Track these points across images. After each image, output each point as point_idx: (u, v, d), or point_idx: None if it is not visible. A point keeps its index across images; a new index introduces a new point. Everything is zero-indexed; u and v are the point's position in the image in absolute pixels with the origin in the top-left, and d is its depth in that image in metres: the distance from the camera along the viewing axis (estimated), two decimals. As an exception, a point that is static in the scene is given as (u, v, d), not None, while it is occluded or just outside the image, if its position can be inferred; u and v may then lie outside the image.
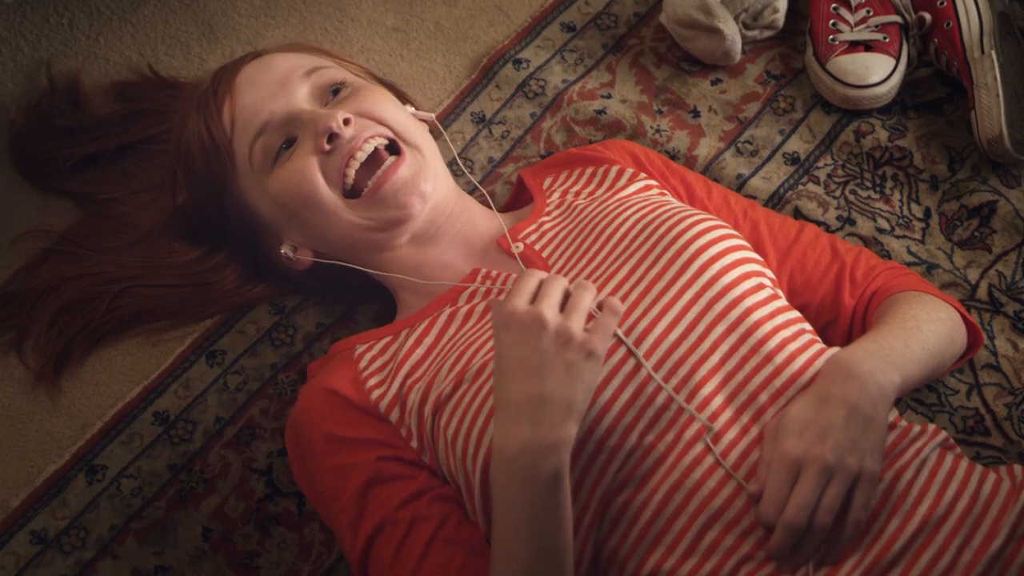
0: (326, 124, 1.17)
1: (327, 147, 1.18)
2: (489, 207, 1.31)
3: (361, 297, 1.37)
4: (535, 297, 1.01)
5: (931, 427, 1.09)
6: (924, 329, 1.15)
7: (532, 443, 0.96)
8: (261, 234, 1.28)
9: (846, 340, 1.22)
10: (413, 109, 1.32)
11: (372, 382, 1.16)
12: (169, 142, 1.33)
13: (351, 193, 1.20)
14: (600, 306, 1.01)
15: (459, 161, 1.46)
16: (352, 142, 1.18)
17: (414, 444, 1.13)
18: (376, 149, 1.20)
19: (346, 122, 1.18)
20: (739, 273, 1.12)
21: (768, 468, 1.01)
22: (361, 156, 1.18)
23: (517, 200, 1.37)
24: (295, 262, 1.27)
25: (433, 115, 1.35)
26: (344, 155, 1.18)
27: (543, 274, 1.04)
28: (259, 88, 1.22)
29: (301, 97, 1.22)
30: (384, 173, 1.18)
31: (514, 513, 0.98)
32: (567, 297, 1.02)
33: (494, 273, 1.20)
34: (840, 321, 1.23)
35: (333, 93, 1.23)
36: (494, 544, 1.01)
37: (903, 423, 1.09)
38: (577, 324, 0.99)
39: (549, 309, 0.99)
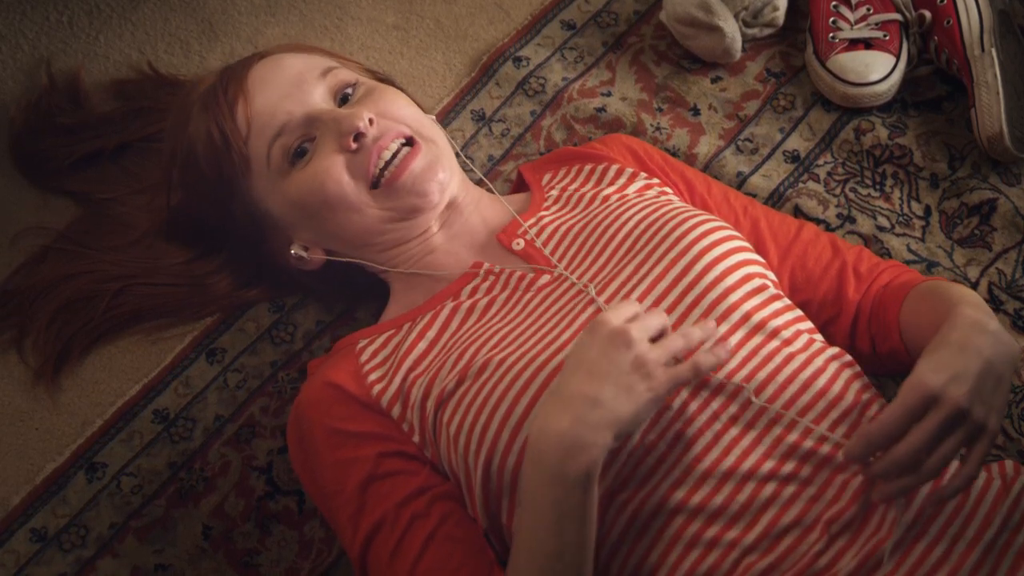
0: (352, 124, 1.17)
1: (354, 146, 1.18)
2: (498, 199, 1.31)
3: (363, 294, 1.37)
4: (631, 320, 1.01)
5: None
6: (983, 304, 1.12)
7: (568, 437, 0.97)
8: (268, 235, 1.28)
9: (848, 335, 1.23)
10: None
11: (373, 376, 1.16)
12: (165, 144, 1.33)
13: (373, 186, 1.20)
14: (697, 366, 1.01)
15: (462, 155, 1.46)
16: (379, 141, 1.18)
17: (416, 439, 1.13)
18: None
19: (371, 122, 1.18)
20: (742, 275, 1.13)
21: (900, 391, 0.98)
22: (387, 155, 1.19)
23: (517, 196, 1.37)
24: (306, 262, 1.27)
25: (433, 117, 1.35)
26: (372, 154, 1.18)
27: (641, 307, 1.03)
28: (274, 89, 1.22)
29: (318, 98, 1.22)
30: (402, 163, 1.18)
31: (538, 507, 0.99)
32: (661, 334, 1.02)
33: (497, 268, 1.20)
34: (843, 317, 1.23)
35: (345, 94, 1.24)
36: (518, 531, 1.01)
37: None
38: (657, 358, 0.99)
39: (640, 332, 0.99)
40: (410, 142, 1.21)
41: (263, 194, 1.24)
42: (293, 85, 1.22)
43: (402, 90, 1.37)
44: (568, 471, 0.97)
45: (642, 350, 0.98)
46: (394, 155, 1.19)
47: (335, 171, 1.18)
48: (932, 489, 1.01)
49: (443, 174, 1.21)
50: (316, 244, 1.26)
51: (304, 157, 1.20)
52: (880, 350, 1.22)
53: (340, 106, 1.23)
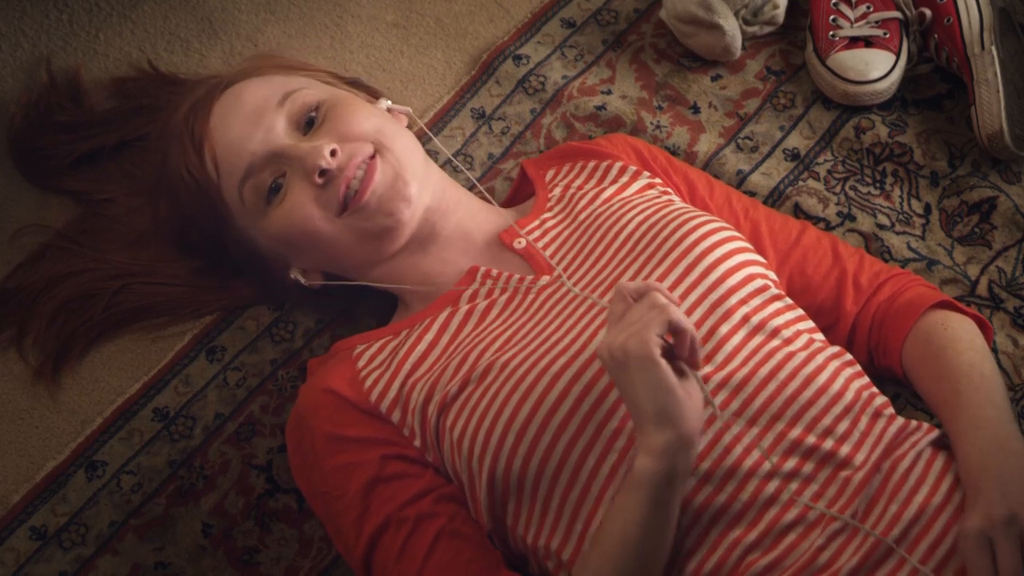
0: (315, 162, 1.17)
1: (320, 181, 1.18)
2: (489, 203, 1.30)
3: (368, 299, 1.36)
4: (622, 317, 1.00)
5: (925, 425, 1.10)
6: (988, 375, 1.13)
7: (662, 448, 0.98)
8: (265, 261, 1.28)
9: (845, 345, 1.22)
10: (389, 103, 1.32)
11: (370, 381, 1.16)
12: (149, 164, 1.33)
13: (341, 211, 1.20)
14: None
15: (453, 161, 1.45)
16: (346, 171, 1.17)
17: (417, 443, 1.13)
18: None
19: (332, 153, 1.17)
20: (744, 275, 1.13)
21: (962, 550, 0.99)
22: (355, 184, 1.18)
23: (519, 192, 1.37)
24: (305, 285, 1.28)
25: (409, 109, 1.35)
26: (340, 184, 1.17)
27: (628, 292, 1.01)
28: (236, 128, 1.21)
29: (280, 131, 1.21)
30: (364, 181, 1.18)
31: (643, 506, 1.00)
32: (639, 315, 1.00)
33: (494, 272, 1.20)
34: (839, 327, 1.23)
35: (310, 118, 1.23)
36: (611, 511, 1.02)
37: (900, 419, 1.10)
38: (655, 339, 0.97)
39: (656, 347, 0.97)
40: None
41: (248, 230, 1.25)
42: (253, 122, 1.21)
43: (373, 90, 1.37)
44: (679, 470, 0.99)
45: (662, 362, 0.97)
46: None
47: (306, 208, 1.18)
48: None
49: (409, 189, 1.19)
50: (312, 269, 1.27)
51: (279, 193, 1.20)
52: (878, 364, 1.22)
53: (306, 132, 1.22)
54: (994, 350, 1.29)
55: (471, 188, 1.42)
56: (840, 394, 1.08)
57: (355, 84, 1.37)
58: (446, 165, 1.46)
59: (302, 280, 1.27)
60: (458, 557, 1.08)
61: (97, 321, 1.36)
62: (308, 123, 1.22)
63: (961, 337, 1.17)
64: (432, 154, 1.45)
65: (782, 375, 1.07)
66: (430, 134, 1.46)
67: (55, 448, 1.33)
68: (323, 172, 1.17)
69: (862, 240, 1.37)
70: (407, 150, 1.22)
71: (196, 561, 1.26)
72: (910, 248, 1.36)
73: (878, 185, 1.42)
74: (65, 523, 1.28)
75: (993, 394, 1.11)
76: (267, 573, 1.25)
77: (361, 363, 1.19)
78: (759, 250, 1.24)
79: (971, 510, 1.00)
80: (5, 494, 1.30)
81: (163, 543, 1.27)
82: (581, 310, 1.13)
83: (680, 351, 0.99)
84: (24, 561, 1.27)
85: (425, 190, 1.21)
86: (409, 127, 1.34)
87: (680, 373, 0.98)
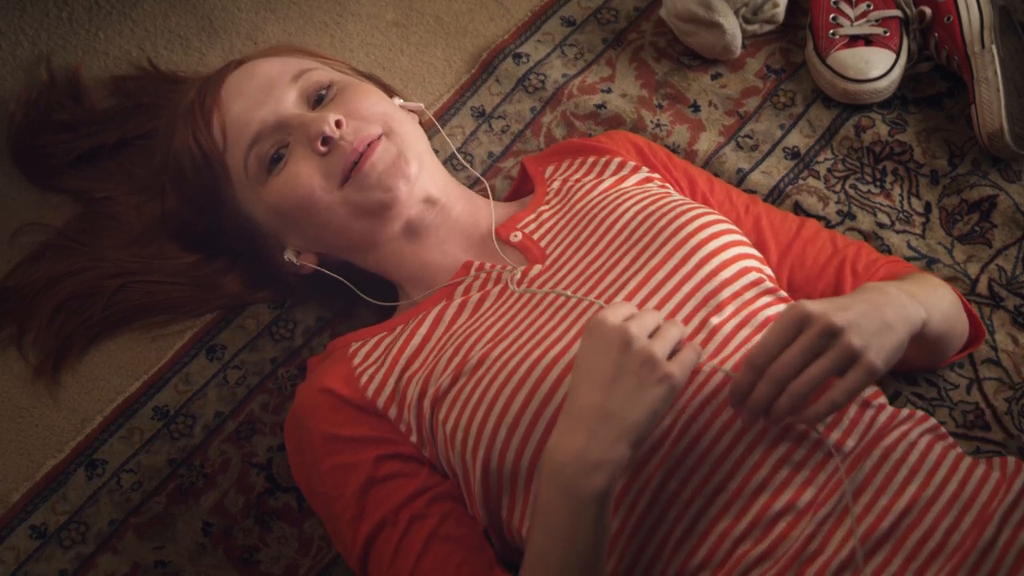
0: (318, 128, 1.17)
1: (323, 149, 1.18)
2: (488, 198, 1.31)
3: (362, 292, 1.37)
4: (628, 319, 0.99)
5: (919, 413, 1.10)
6: (939, 291, 1.14)
7: (582, 456, 0.95)
8: (260, 242, 1.28)
9: None
10: (402, 101, 1.32)
11: (366, 378, 1.16)
12: (155, 151, 1.33)
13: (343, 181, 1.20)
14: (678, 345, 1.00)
15: (458, 155, 1.46)
16: (354, 144, 1.18)
17: (413, 439, 1.14)
18: None
19: (338, 124, 1.18)
20: (739, 268, 1.13)
21: (778, 318, 0.99)
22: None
23: (520, 190, 1.37)
24: (299, 267, 1.27)
25: (422, 105, 1.35)
26: (347, 154, 1.18)
27: (634, 308, 1.01)
28: (246, 97, 1.22)
29: (289, 102, 1.22)
30: (364, 154, 1.18)
31: (551, 520, 0.97)
32: (656, 329, 0.99)
33: (487, 265, 1.20)
34: None
35: (319, 96, 1.23)
36: (529, 542, 1.00)
37: (890, 408, 1.10)
38: (661, 350, 0.97)
39: (637, 328, 0.97)
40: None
41: (247, 203, 1.25)
42: (265, 92, 1.22)
43: (388, 87, 1.38)
44: (583, 490, 0.95)
45: (643, 345, 0.96)
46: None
47: (305, 174, 1.18)
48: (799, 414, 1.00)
49: (410, 167, 1.19)
50: (306, 249, 1.27)
51: (280, 163, 1.20)
52: None
53: (314, 108, 1.23)
54: (994, 348, 1.29)
55: (472, 186, 1.42)
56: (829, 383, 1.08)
57: (371, 78, 1.37)
58: (447, 162, 1.46)
59: (295, 261, 1.27)
60: (449, 559, 1.08)
61: (97, 320, 1.36)
62: (318, 100, 1.23)
63: (933, 278, 1.17)
64: (433, 151, 1.45)
65: None
66: (439, 127, 1.46)
67: (55, 447, 1.33)
68: (326, 140, 1.17)
69: (862, 239, 1.37)
70: (413, 135, 1.23)
71: (196, 560, 1.26)
72: (910, 247, 1.36)
73: (878, 184, 1.42)
74: (65, 521, 1.28)
75: (933, 292, 1.11)
76: (267, 572, 1.25)
77: (356, 360, 1.19)
78: (761, 243, 1.25)
79: (828, 301, 0.99)
80: (5, 493, 1.30)
81: (163, 541, 1.27)
82: (573, 301, 1.13)
83: None
84: (24, 559, 1.27)
85: (426, 175, 1.22)
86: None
87: None
